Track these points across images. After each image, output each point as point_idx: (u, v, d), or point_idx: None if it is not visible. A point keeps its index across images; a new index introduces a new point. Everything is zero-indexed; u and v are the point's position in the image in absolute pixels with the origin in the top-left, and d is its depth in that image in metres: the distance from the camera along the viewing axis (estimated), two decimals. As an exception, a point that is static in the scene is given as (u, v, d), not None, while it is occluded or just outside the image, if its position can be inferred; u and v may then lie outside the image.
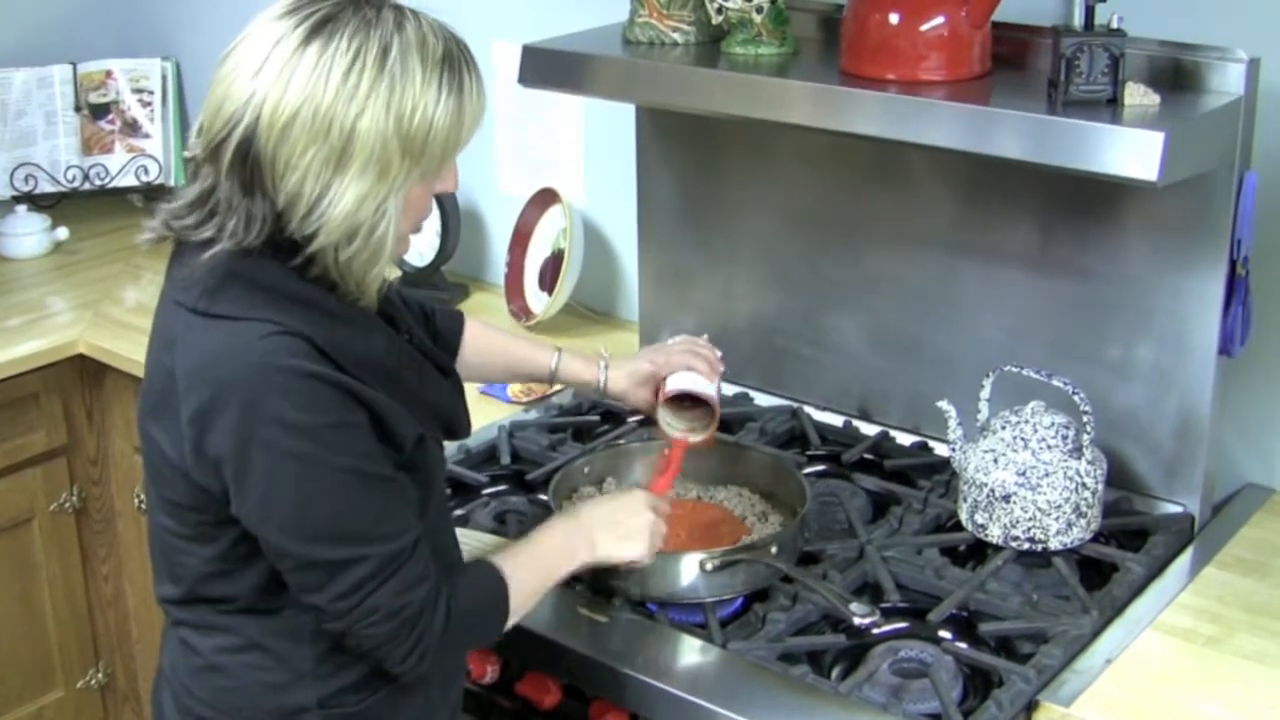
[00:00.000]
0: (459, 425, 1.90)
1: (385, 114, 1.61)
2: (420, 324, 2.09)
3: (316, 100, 1.59)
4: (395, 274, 1.72)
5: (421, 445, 1.77)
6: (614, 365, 2.26)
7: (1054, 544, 2.15)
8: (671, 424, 2.23)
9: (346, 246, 1.64)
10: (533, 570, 1.89)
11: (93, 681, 3.35)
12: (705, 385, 2.21)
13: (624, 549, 1.97)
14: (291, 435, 1.61)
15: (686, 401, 2.22)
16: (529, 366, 2.30)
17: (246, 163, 1.63)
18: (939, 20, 2.11)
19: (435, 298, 3.09)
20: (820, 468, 2.47)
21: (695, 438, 2.22)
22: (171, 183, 3.73)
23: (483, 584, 1.84)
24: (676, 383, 2.21)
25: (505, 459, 2.51)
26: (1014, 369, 2.20)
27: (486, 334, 2.26)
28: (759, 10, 2.27)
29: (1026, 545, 2.16)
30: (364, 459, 1.67)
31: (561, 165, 3.12)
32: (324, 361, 1.63)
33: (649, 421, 2.38)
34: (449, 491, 2.24)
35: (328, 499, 1.64)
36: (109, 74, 3.73)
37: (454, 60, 1.67)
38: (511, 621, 1.85)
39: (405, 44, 1.63)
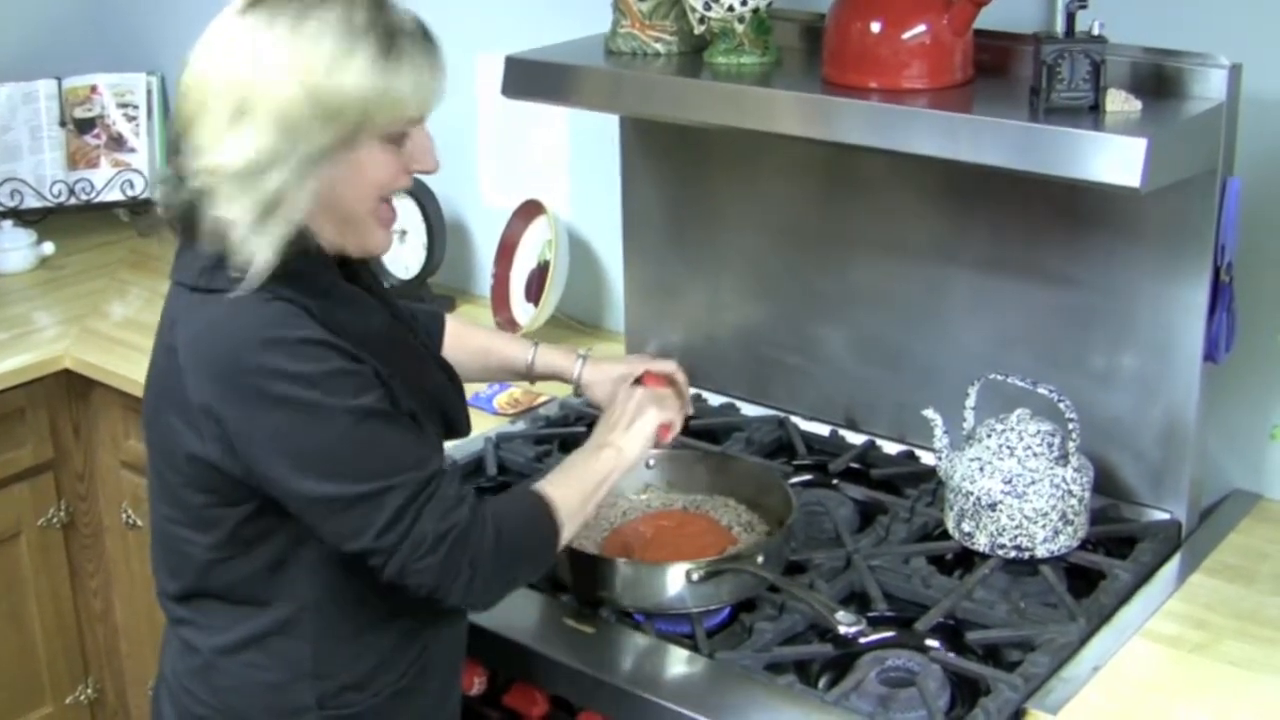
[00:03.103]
0: (459, 420, 1.91)
1: (289, 74, 1.63)
2: None
3: (229, 63, 1.64)
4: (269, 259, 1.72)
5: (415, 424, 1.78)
6: (592, 361, 2.26)
7: (1041, 552, 2.15)
8: None
9: (238, 199, 1.64)
10: (572, 487, 1.89)
11: (82, 697, 3.34)
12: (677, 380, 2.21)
13: (642, 426, 1.98)
14: (298, 387, 1.63)
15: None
16: (507, 360, 2.30)
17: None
18: (921, 28, 2.11)
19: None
20: (807, 477, 2.47)
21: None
22: (157, 197, 3.71)
23: (523, 501, 1.84)
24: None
25: (492, 470, 2.51)
26: (999, 377, 2.20)
27: (464, 330, 2.28)
28: (741, 20, 2.27)
29: (1013, 553, 2.15)
30: (376, 400, 1.68)
31: (546, 177, 3.12)
32: (319, 327, 1.66)
33: None
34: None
35: (345, 439, 1.66)
36: (94, 89, 3.72)
37: (378, 30, 1.67)
38: (565, 537, 1.85)
39: (326, 11, 1.65)
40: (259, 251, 1.64)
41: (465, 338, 2.27)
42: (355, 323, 1.71)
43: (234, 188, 1.63)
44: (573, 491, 1.88)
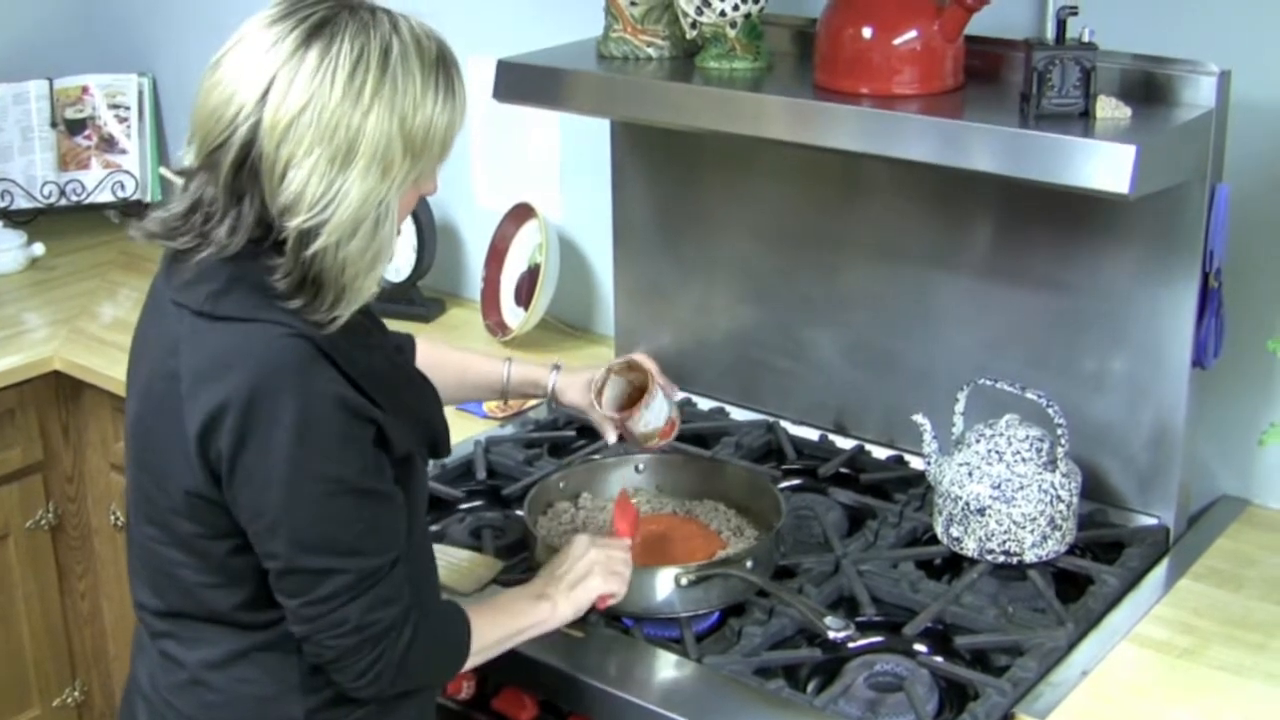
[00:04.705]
0: (443, 442, 1.90)
1: (390, 115, 1.62)
2: None
3: (322, 100, 1.60)
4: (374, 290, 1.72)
5: (408, 464, 1.77)
6: (565, 372, 2.26)
7: (1029, 557, 2.15)
8: (608, 407, 2.23)
9: (348, 244, 1.63)
10: (496, 624, 1.90)
11: (69, 699, 3.34)
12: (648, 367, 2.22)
13: (581, 594, 1.97)
14: (291, 440, 1.61)
15: (633, 398, 2.23)
16: (482, 378, 2.29)
17: (244, 167, 1.63)
18: (912, 34, 2.12)
19: (411, 313, 3.10)
20: (796, 482, 2.47)
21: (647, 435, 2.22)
22: (148, 198, 3.72)
23: (449, 622, 1.84)
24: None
25: (481, 474, 2.51)
26: (988, 382, 2.20)
27: (436, 351, 2.26)
28: (733, 25, 2.28)
29: (1001, 558, 2.16)
30: (359, 474, 1.67)
31: (537, 180, 3.12)
32: (331, 368, 1.64)
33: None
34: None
35: (316, 508, 1.65)
36: (85, 89, 3.72)
37: (447, 62, 1.69)
38: (467, 665, 1.86)
39: (404, 46, 1.64)
40: (372, 286, 1.68)
41: (438, 358, 2.24)
42: (361, 358, 1.69)
43: (346, 233, 1.62)
44: (497, 632, 1.89)
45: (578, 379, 2.25)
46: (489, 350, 2.82)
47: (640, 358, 2.23)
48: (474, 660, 1.86)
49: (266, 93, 1.61)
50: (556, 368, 2.27)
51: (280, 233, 1.63)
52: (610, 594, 1.99)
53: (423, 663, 1.79)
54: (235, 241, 1.65)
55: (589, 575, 1.98)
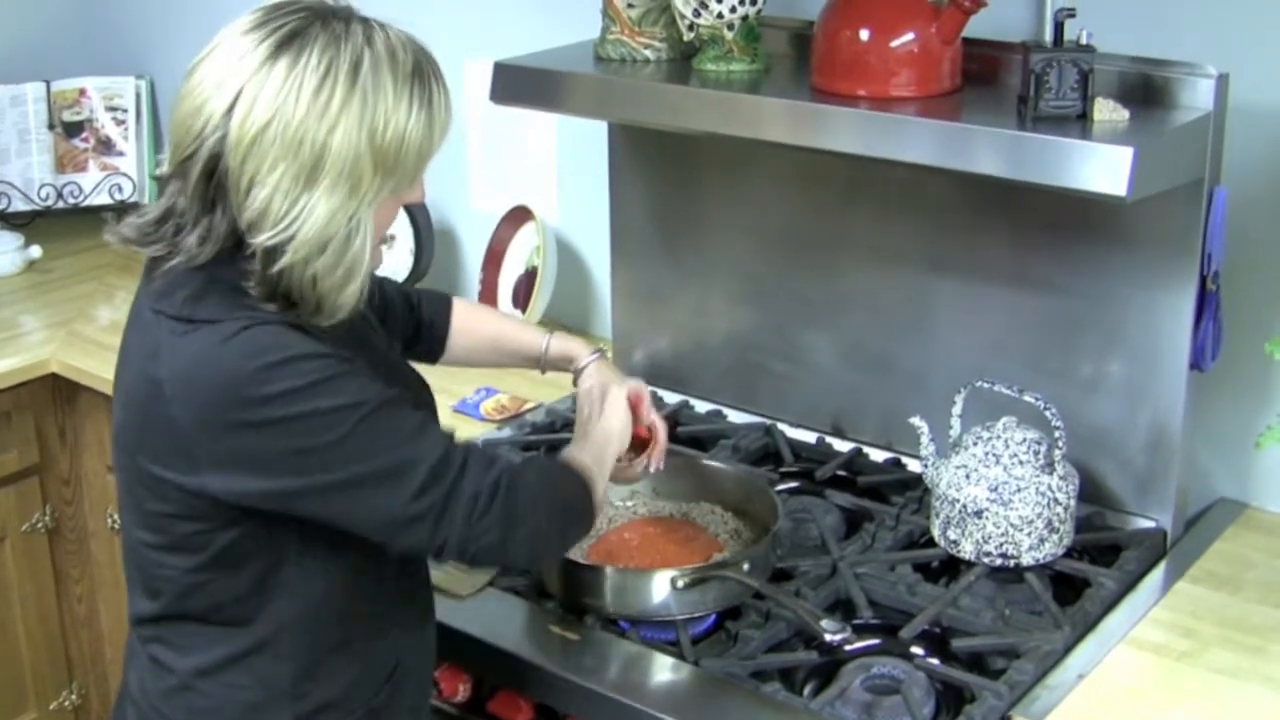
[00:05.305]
0: None
1: (358, 130, 1.59)
2: (405, 312, 2.09)
3: (287, 116, 1.57)
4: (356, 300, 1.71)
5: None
6: (600, 364, 2.16)
7: (1026, 559, 2.15)
8: None
9: (316, 260, 1.62)
10: (580, 453, 1.89)
11: (66, 703, 3.33)
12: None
13: (613, 407, 1.99)
14: (301, 401, 1.60)
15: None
16: (521, 347, 2.23)
17: (212, 179, 1.61)
18: (909, 36, 2.12)
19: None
20: (793, 484, 2.46)
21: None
22: (145, 201, 3.72)
23: (548, 462, 1.85)
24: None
25: (478, 477, 2.50)
26: (986, 385, 2.20)
27: (474, 314, 2.24)
28: (730, 27, 2.27)
29: (999, 561, 2.16)
30: (377, 392, 1.65)
31: (535, 183, 3.12)
32: (308, 338, 1.63)
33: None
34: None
35: (359, 431, 1.62)
36: (82, 92, 3.72)
37: (423, 73, 1.66)
38: (597, 492, 1.85)
39: (376, 58, 1.61)
40: (351, 299, 1.66)
41: (476, 322, 2.22)
42: (352, 354, 1.69)
43: (313, 249, 1.61)
44: (585, 456, 1.88)
45: (604, 380, 2.14)
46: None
47: (661, 430, 2.15)
48: (598, 488, 1.86)
49: (233, 105, 1.59)
50: (599, 352, 2.19)
51: (249, 247, 1.62)
52: (633, 392, 2.02)
53: (564, 498, 1.80)
54: (205, 251, 1.64)
55: (605, 392, 2.00)
